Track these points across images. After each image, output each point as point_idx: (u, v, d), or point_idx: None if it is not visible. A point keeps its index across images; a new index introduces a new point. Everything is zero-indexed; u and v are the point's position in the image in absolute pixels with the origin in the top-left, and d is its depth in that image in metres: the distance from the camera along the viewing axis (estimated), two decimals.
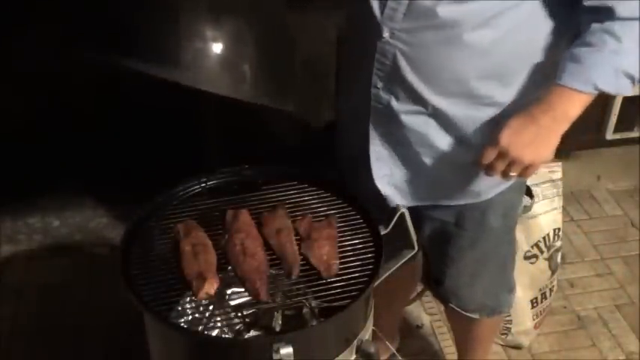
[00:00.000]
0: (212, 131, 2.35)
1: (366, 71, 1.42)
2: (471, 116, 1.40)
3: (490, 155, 1.32)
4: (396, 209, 1.43)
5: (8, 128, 2.50)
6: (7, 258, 2.56)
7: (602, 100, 3.06)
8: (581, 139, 3.09)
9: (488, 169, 1.34)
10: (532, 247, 2.13)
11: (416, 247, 1.46)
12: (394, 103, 1.42)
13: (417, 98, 1.39)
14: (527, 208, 1.70)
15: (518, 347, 2.29)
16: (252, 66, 1.71)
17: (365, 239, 1.43)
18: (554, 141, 1.32)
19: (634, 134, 3.16)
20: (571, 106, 1.30)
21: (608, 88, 1.28)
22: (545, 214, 2.11)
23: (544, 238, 2.13)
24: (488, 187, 1.49)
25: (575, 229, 2.79)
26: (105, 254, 2.50)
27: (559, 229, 2.16)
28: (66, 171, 2.57)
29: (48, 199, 2.68)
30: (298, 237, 1.43)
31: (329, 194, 1.53)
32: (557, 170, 2.13)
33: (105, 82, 2.36)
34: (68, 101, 2.48)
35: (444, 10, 1.28)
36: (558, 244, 2.18)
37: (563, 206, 2.17)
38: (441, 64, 1.34)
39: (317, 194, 1.53)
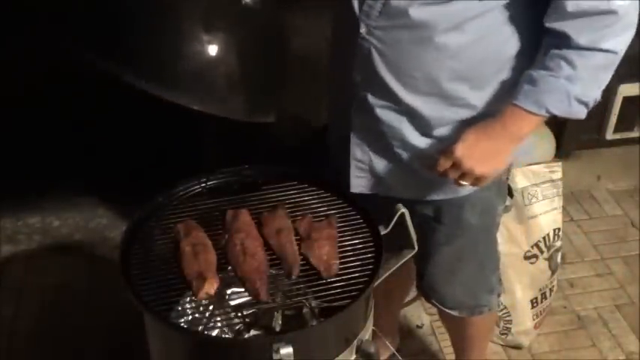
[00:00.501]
0: (212, 131, 2.35)
1: (349, 66, 1.46)
2: (444, 117, 1.42)
3: (444, 164, 1.38)
4: (396, 209, 1.43)
5: (8, 129, 2.50)
6: (7, 258, 2.56)
7: (602, 100, 3.06)
8: (581, 139, 3.10)
9: (442, 177, 1.40)
10: (532, 247, 2.13)
11: (416, 247, 1.46)
12: (370, 98, 1.45)
13: (390, 94, 1.42)
14: (508, 208, 1.71)
15: (518, 347, 2.29)
16: (230, 81, 1.71)
17: (365, 239, 1.43)
18: (505, 156, 1.39)
19: (634, 134, 3.16)
20: (524, 126, 1.35)
21: (560, 112, 1.32)
22: (545, 214, 2.11)
23: (544, 238, 2.13)
24: None
25: (575, 229, 2.79)
26: (105, 254, 2.50)
27: (559, 229, 2.16)
28: (66, 171, 2.57)
29: (48, 199, 2.68)
30: (298, 237, 1.43)
31: (329, 194, 1.53)
32: (557, 170, 2.13)
33: (105, 82, 2.35)
34: (68, 102, 2.48)
35: (416, 12, 1.31)
36: (558, 244, 2.18)
37: (563, 206, 2.17)
38: (413, 64, 1.37)
39: (317, 194, 1.54)
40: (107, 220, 2.68)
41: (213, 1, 1.71)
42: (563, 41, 1.28)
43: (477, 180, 1.38)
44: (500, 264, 2.09)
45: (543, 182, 2.10)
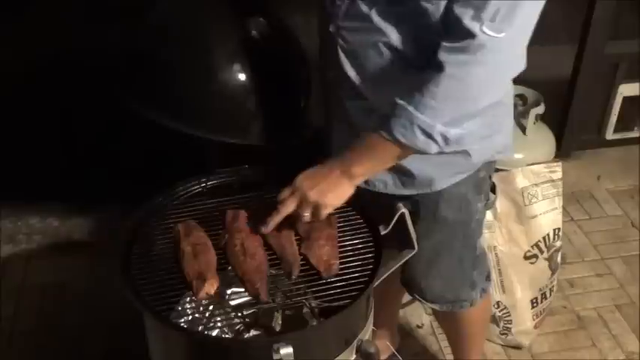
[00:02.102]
0: None
1: (326, 61, 1.50)
2: None
3: (284, 193, 1.38)
4: (396, 209, 1.43)
5: (8, 128, 2.50)
6: (7, 258, 2.56)
7: (603, 100, 3.07)
8: (581, 139, 3.10)
9: (282, 206, 1.38)
10: (532, 247, 2.13)
11: (416, 247, 1.46)
12: (341, 92, 1.48)
13: (356, 91, 1.44)
14: (489, 205, 1.72)
15: (518, 347, 2.29)
16: (252, 110, 1.72)
17: (365, 239, 1.43)
18: (340, 189, 1.36)
19: (634, 134, 3.17)
20: (377, 151, 1.33)
21: (406, 141, 1.28)
22: (545, 214, 2.12)
23: (544, 238, 2.13)
24: (439, 177, 1.52)
25: (575, 229, 2.79)
26: (105, 254, 2.49)
27: (559, 229, 2.16)
28: (66, 171, 2.57)
29: (48, 199, 2.68)
30: (298, 237, 1.43)
31: None
32: (557, 170, 2.13)
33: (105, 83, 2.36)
34: (68, 102, 2.48)
35: (377, 17, 1.33)
36: (558, 244, 2.18)
37: (563, 206, 2.17)
38: (375, 66, 1.39)
39: None
40: (107, 220, 2.68)
41: (224, 40, 1.72)
42: (435, 56, 1.26)
43: (315, 210, 1.36)
44: (495, 262, 2.12)
45: (543, 182, 2.11)
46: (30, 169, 2.58)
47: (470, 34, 1.21)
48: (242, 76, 1.66)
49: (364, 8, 1.34)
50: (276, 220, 1.39)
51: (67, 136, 2.56)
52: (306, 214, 1.37)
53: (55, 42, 2.38)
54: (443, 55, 1.24)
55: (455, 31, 1.23)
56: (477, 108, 1.29)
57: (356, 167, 1.34)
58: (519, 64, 1.31)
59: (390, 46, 1.34)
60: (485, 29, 1.20)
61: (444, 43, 1.24)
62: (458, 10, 1.23)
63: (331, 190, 1.35)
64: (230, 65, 1.66)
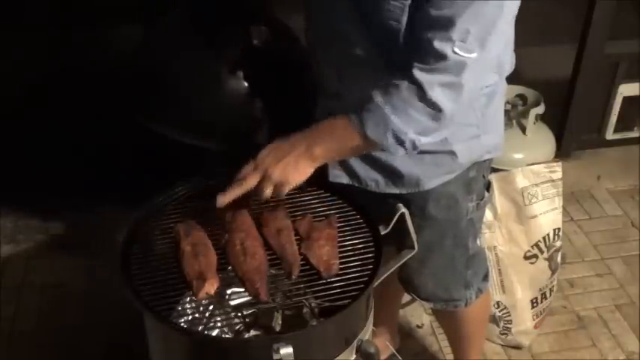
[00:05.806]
0: None
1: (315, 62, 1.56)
2: None
3: (247, 168, 1.34)
4: (396, 209, 1.43)
5: (8, 128, 2.51)
6: (7, 258, 2.56)
7: (603, 100, 3.07)
8: (581, 139, 3.10)
9: (244, 180, 1.33)
10: (532, 247, 2.13)
11: (416, 247, 1.46)
12: (327, 94, 1.52)
13: (338, 95, 1.47)
14: (480, 205, 1.73)
15: (518, 347, 2.29)
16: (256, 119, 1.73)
17: (365, 239, 1.43)
18: (302, 166, 1.32)
19: (634, 134, 3.17)
20: (341, 136, 1.32)
21: (375, 138, 1.28)
22: (545, 214, 2.12)
23: (544, 238, 2.13)
24: (426, 177, 1.53)
25: (575, 229, 2.79)
26: (105, 254, 2.49)
27: (559, 229, 2.16)
28: (66, 171, 2.57)
29: (48, 199, 2.68)
30: (298, 237, 1.43)
31: (329, 194, 1.53)
32: (557, 170, 2.13)
33: (102, 84, 2.36)
34: (68, 101, 2.49)
35: (349, 26, 1.36)
36: (558, 244, 2.18)
37: (563, 206, 2.17)
38: (350, 75, 1.42)
39: (317, 194, 1.54)
40: (107, 220, 2.67)
41: (230, 52, 1.73)
42: (409, 71, 1.26)
43: (276, 187, 1.33)
44: (495, 262, 2.12)
45: (543, 182, 2.11)
46: (30, 169, 2.58)
47: (442, 56, 1.22)
48: (248, 83, 1.66)
49: (340, 23, 1.37)
50: (235, 193, 1.33)
51: (67, 137, 2.56)
52: (267, 191, 1.33)
53: (59, 49, 2.39)
54: (421, 75, 1.24)
55: (426, 52, 1.23)
56: (451, 121, 1.31)
57: (318, 147, 1.32)
58: (490, 76, 1.37)
59: (361, 54, 1.37)
60: (456, 50, 1.21)
61: (418, 64, 1.24)
62: (428, 31, 1.23)
63: (294, 167, 1.32)
64: (236, 73, 1.66)
